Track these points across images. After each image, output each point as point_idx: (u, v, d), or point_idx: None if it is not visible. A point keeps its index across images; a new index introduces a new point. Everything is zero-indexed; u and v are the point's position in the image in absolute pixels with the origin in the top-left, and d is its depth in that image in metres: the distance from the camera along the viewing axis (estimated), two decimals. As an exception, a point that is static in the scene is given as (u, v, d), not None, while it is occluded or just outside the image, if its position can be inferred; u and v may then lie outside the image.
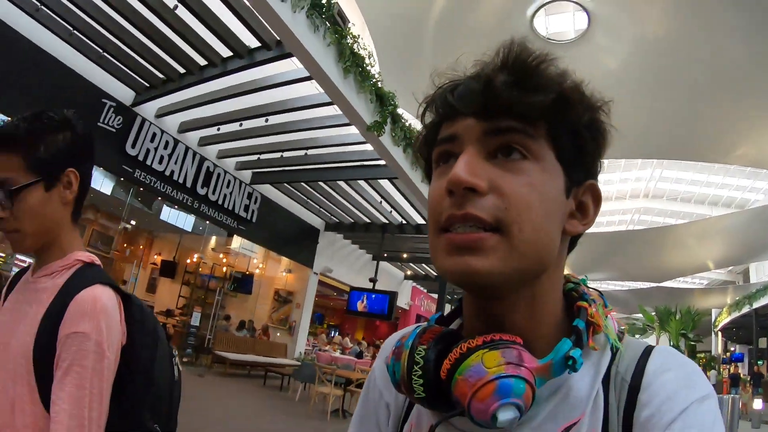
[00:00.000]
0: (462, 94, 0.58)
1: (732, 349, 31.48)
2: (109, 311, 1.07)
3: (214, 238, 15.29)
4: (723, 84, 12.26)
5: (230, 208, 10.58)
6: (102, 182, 9.41)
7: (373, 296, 12.17)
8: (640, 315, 22.01)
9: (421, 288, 20.67)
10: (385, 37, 10.65)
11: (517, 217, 0.52)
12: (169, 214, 13.00)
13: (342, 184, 10.65)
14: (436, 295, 20.89)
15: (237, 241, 13.39)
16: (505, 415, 0.50)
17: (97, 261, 1.22)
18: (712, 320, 28.98)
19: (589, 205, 0.62)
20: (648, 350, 0.59)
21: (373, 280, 12.44)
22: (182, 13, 6.35)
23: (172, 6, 6.25)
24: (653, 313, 19.68)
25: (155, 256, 16.11)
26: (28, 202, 1.10)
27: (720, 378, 25.52)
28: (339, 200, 11.63)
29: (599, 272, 27.76)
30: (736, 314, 24.89)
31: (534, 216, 0.53)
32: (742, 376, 23.85)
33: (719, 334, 29.60)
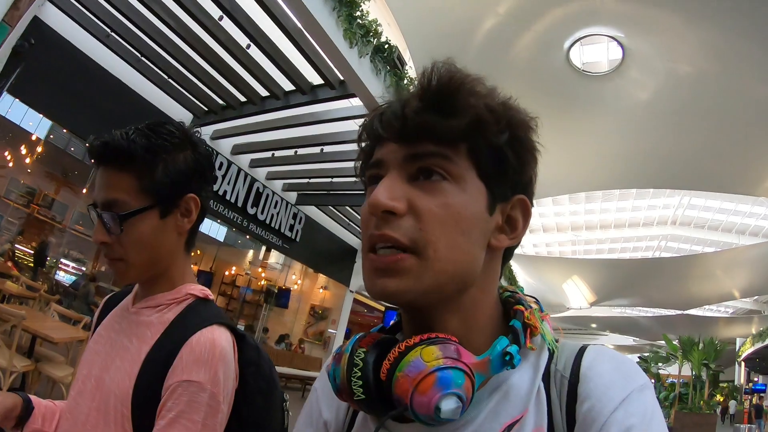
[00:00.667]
0: (385, 119, 0.60)
1: (756, 379, 31.17)
2: (227, 358, 0.95)
3: (251, 252, 15.81)
4: (750, 119, 12.60)
5: (276, 227, 11.05)
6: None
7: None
8: (664, 342, 22.09)
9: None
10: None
11: (431, 237, 0.55)
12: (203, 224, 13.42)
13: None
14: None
15: (274, 256, 13.88)
16: (448, 405, 0.51)
17: (211, 296, 1.10)
18: (736, 349, 28.76)
19: (518, 219, 0.64)
20: (583, 348, 0.61)
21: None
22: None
23: (245, 45, 6.67)
24: (676, 343, 19.77)
25: (192, 266, 16.59)
26: (138, 229, 0.99)
27: (741, 408, 25.29)
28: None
29: (624, 298, 27.83)
30: (759, 345, 24.73)
31: (449, 236, 0.56)
32: (765, 407, 23.66)
33: (742, 364, 29.35)
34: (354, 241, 13.92)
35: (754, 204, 23.80)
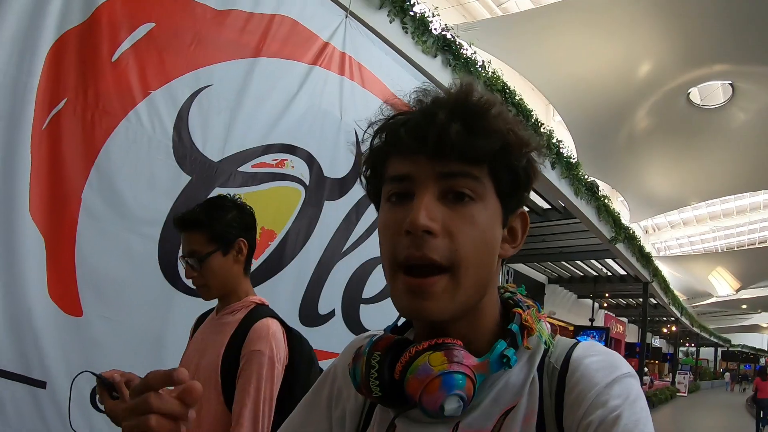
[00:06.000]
0: (415, 133, 0.62)
1: None
2: (277, 336, 1.51)
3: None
4: None
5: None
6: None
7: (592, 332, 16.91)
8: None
9: (611, 314, 24.68)
10: (581, 135, 15.19)
11: (464, 258, 0.61)
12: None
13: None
14: (624, 319, 24.95)
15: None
16: (451, 404, 0.59)
17: (266, 302, 1.67)
18: None
19: (518, 229, 0.70)
20: (575, 344, 0.67)
21: (592, 320, 17.18)
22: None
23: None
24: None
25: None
26: (211, 265, 1.55)
27: None
28: (563, 264, 16.42)
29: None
30: None
31: (477, 253, 0.62)
32: None
33: None
34: (541, 277, 18.27)
35: None
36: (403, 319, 0.75)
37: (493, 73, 5.72)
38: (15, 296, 2.25)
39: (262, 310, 1.61)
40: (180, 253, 1.62)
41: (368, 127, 0.68)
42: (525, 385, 0.64)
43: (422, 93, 0.66)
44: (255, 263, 2.88)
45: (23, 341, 2.24)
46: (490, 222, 0.64)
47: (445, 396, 0.59)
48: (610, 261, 15.24)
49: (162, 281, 2.66)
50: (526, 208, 0.71)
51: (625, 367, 0.62)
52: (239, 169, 2.95)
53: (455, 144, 0.60)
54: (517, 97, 6.02)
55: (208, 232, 1.56)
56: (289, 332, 1.63)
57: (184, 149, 2.79)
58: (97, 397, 1.34)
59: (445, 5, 11.94)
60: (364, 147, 0.70)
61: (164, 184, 2.68)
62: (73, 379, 1.44)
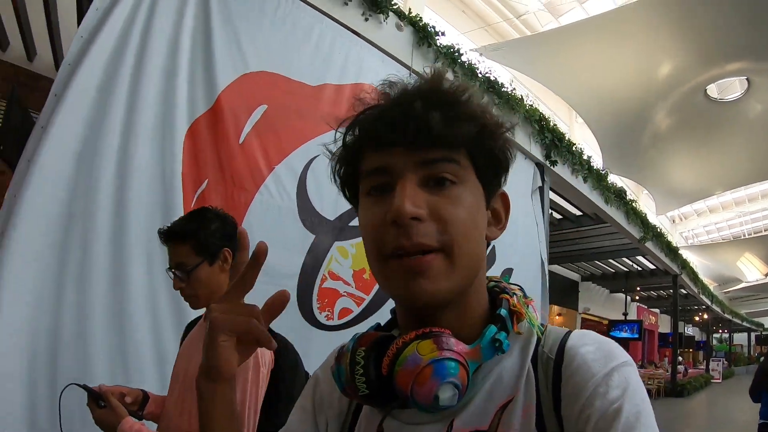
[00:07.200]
0: (392, 125, 0.60)
1: None
2: None
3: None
4: None
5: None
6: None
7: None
8: None
9: (644, 306, 24.99)
10: (606, 137, 15.68)
11: (456, 237, 0.59)
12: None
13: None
14: (656, 310, 25.16)
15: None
16: (445, 393, 0.56)
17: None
18: None
19: (501, 210, 0.70)
20: (569, 333, 0.65)
21: (625, 314, 17.54)
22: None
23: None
24: None
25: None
26: (198, 276, 1.57)
27: None
28: (595, 263, 16.85)
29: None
30: None
31: (468, 233, 0.61)
32: None
33: None
34: (574, 276, 18.68)
35: None
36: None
37: (531, 105, 6.33)
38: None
39: None
40: (167, 266, 1.64)
41: (339, 125, 0.67)
42: (520, 377, 0.62)
43: (388, 85, 0.65)
44: (367, 298, 3.63)
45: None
46: (475, 203, 0.63)
47: (439, 384, 0.56)
48: (640, 257, 15.64)
49: (302, 321, 3.28)
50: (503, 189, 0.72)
51: (621, 355, 0.60)
52: (350, 224, 3.58)
53: (434, 132, 0.59)
54: (551, 124, 6.59)
55: (194, 243, 1.60)
56: (274, 337, 2.17)
57: (307, 213, 3.40)
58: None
59: (474, 27, 12.57)
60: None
61: (295, 244, 3.29)
62: (61, 393, 1.58)
